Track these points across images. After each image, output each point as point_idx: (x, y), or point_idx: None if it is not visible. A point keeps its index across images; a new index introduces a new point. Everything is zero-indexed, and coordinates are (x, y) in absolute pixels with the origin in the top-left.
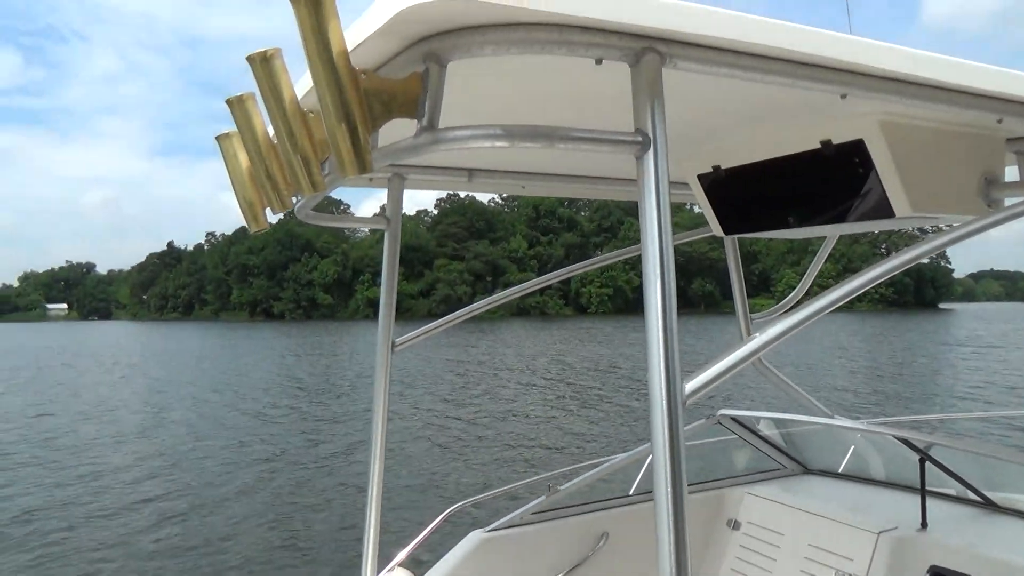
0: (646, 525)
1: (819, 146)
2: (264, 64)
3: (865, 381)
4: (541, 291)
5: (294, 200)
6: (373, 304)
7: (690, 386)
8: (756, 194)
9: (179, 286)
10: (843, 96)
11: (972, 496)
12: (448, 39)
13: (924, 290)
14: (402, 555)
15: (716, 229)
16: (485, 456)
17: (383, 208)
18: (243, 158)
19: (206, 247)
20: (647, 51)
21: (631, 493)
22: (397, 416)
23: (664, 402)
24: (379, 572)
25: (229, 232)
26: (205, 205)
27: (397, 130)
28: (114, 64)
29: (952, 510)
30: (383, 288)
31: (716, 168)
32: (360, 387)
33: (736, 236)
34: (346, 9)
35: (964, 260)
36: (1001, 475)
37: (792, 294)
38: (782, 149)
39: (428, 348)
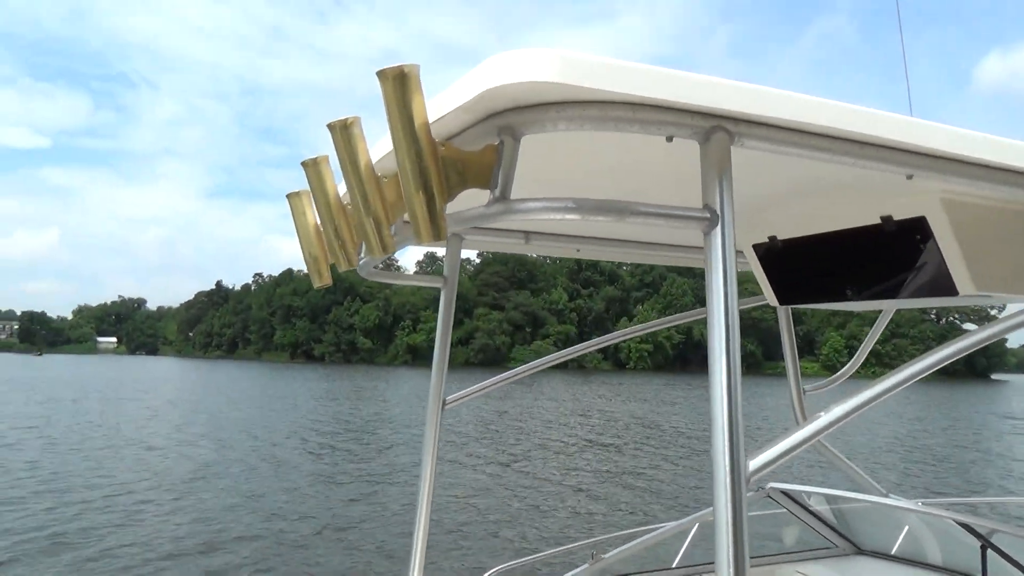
0: None
1: (879, 221)
2: (344, 131)
3: (920, 457)
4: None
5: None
6: (412, 350)
7: (754, 463)
8: (813, 266)
9: (224, 324)
10: (909, 177)
11: None
12: (525, 114)
13: (976, 360)
14: None
15: (771, 299)
16: (528, 517)
17: (443, 255)
18: (311, 216)
19: (253, 287)
20: (716, 130)
21: (675, 566)
22: (444, 471)
23: (728, 477)
24: None
25: (276, 273)
26: (253, 246)
27: (465, 196)
28: (178, 109)
29: None
30: (437, 345)
31: (772, 239)
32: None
33: (791, 307)
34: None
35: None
36: None
37: (848, 366)
38: (840, 223)
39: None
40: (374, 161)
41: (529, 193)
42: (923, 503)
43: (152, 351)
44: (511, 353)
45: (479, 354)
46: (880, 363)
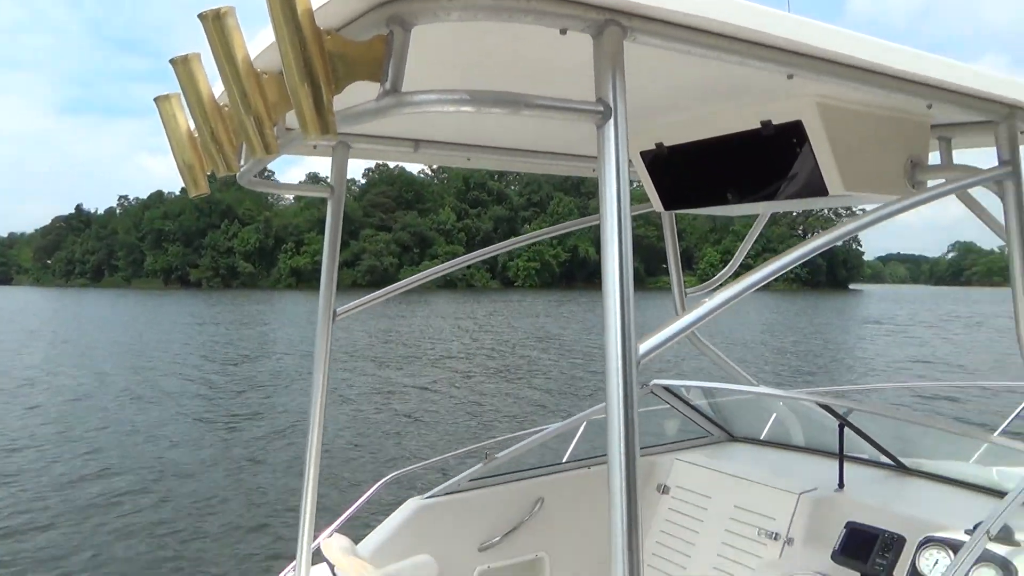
0: (579, 490)
1: (759, 126)
2: (217, 22)
3: (789, 356)
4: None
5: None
6: (296, 273)
7: (644, 346)
8: (696, 171)
9: (87, 251)
10: (790, 76)
11: (885, 460)
12: (415, 3)
13: (837, 271)
14: (338, 522)
15: (657, 205)
16: (425, 428)
17: (325, 175)
18: (183, 120)
19: (118, 211)
20: (610, 23)
21: (564, 460)
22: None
23: (620, 360)
24: (315, 540)
25: (144, 196)
26: (118, 167)
27: (351, 97)
28: (20, 14)
29: (867, 472)
30: (325, 258)
31: (659, 145)
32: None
33: (675, 212)
34: None
35: (874, 243)
36: (912, 440)
37: (726, 268)
38: (723, 129)
39: (363, 319)
40: (253, 56)
41: (421, 88)
42: (790, 391)
43: (5, 280)
44: (399, 274)
45: (366, 275)
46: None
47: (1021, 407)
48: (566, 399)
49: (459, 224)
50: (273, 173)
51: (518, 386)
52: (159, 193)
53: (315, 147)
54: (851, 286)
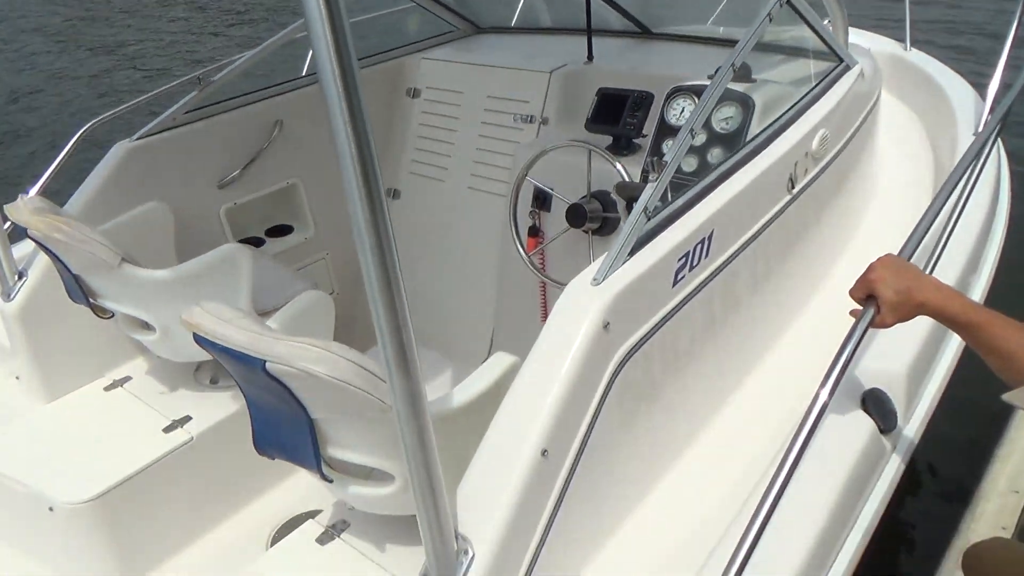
0: (324, 107)
1: None
2: None
3: None
4: None
5: None
6: None
7: None
8: None
9: None
10: None
11: (633, 28)
12: None
13: None
14: (37, 185)
15: None
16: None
17: None
18: None
19: None
20: None
21: (304, 75)
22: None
23: None
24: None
25: None
26: None
27: None
28: None
29: (616, 43)
30: None
31: None
32: None
33: None
34: None
35: None
36: (658, 6)
37: None
38: None
39: None
40: None
41: None
42: None
43: None
44: None
45: None
46: None
47: None
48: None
49: None
50: None
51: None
52: None
53: None
54: None
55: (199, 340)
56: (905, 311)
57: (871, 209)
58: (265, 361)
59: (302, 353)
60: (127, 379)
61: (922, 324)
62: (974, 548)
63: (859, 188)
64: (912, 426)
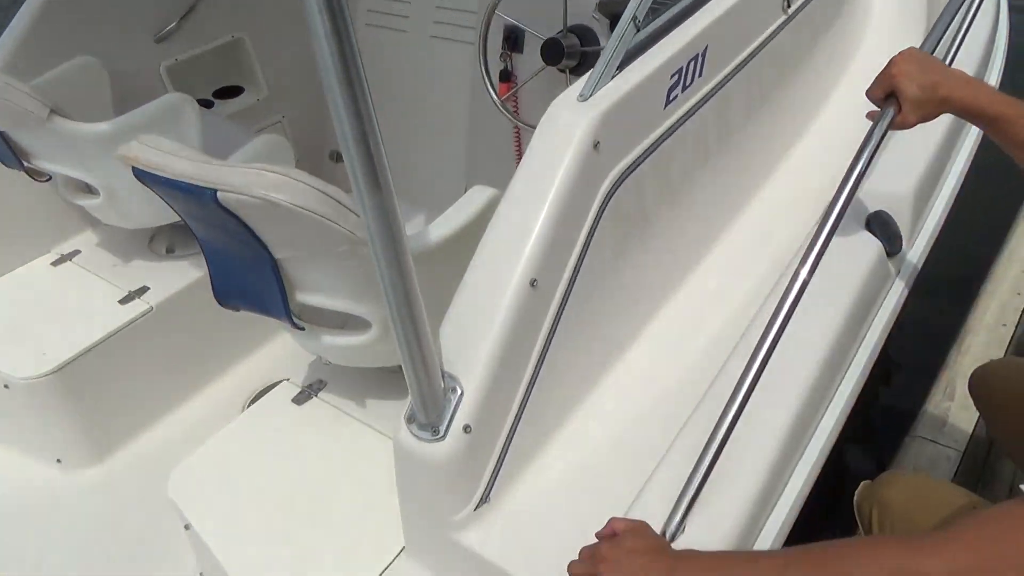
0: None
1: None
2: None
3: None
4: None
5: None
6: None
7: None
8: None
9: None
10: None
11: None
12: None
13: None
14: None
15: None
16: None
17: None
18: None
19: None
20: None
21: None
22: None
23: None
24: None
25: None
26: None
27: None
28: None
29: None
30: None
31: None
32: None
33: None
34: None
35: None
36: None
37: None
38: None
39: None
40: None
41: None
42: None
43: None
44: None
45: None
46: None
47: None
48: None
49: None
50: None
51: None
52: None
53: None
54: None
55: (139, 175)
56: (929, 108)
57: (868, 32)
58: (216, 191)
59: (257, 179)
60: (76, 252)
61: (929, 140)
62: (980, 370)
63: (856, 9)
64: (916, 251)
